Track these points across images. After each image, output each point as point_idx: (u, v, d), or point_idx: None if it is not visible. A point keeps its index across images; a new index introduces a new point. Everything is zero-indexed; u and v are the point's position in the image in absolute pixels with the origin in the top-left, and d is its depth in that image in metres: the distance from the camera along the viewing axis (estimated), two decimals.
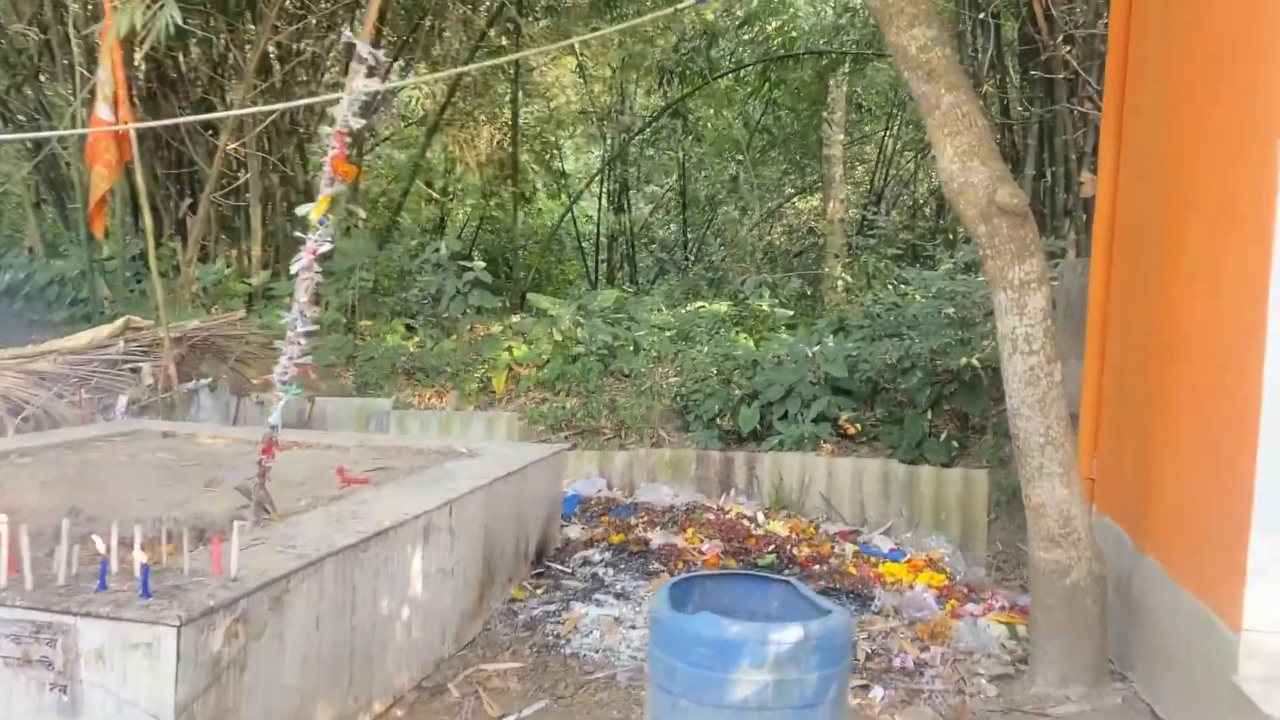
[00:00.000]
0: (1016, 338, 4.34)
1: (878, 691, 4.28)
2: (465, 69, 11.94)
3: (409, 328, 10.96)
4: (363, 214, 11.97)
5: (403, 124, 17.30)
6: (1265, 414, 3.22)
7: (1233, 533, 3.36)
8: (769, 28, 14.64)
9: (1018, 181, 9.93)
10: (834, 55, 14.05)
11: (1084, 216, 8.22)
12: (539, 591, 5.26)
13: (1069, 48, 8.36)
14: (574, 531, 6.06)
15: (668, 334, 10.26)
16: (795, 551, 5.78)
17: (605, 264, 17.79)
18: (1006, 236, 4.31)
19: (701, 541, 5.87)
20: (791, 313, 11.51)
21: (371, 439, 6.19)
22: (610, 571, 5.50)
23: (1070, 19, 8.37)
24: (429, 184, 17.47)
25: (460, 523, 4.49)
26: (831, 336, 9.49)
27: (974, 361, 7.77)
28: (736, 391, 8.91)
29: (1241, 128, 3.58)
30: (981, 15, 9.79)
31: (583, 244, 18.34)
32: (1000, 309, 4.39)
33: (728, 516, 6.32)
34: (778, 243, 16.55)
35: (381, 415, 7.89)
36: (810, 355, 8.76)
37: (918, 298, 9.25)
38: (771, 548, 5.80)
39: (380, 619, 3.86)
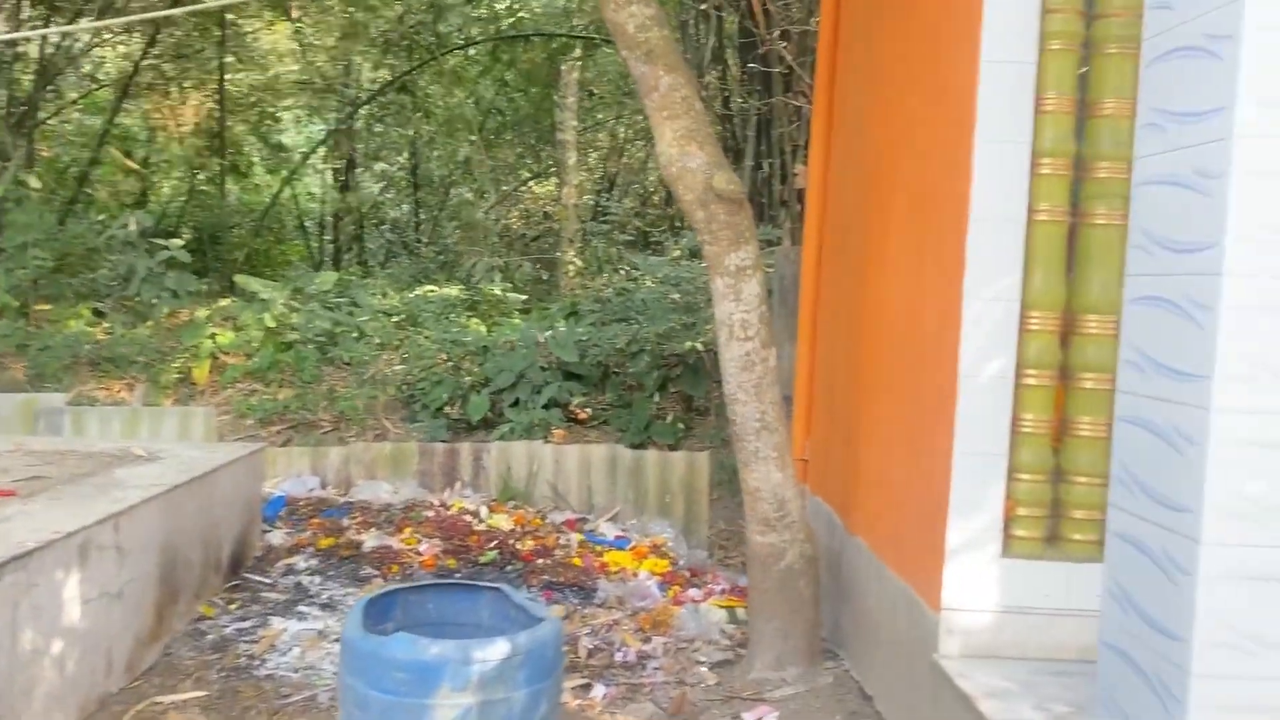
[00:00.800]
0: (733, 323, 4.32)
1: (599, 690, 4.14)
2: (135, 18, 10.79)
3: (97, 313, 9.79)
4: (35, 183, 10.56)
5: (94, 85, 15.55)
6: (960, 399, 3.32)
7: (931, 514, 3.46)
8: (498, 6, 14.32)
9: (738, 172, 10.22)
10: (564, 39, 13.94)
11: (799, 206, 8.53)
12: (233, 607, 4.73)
13: (785, 43, 8.63)
14: (277, 537, 5.54)
15: (394, 319, 9.75)
16: (519, 546, 5.56)
17: (332, 245, 16.84)
18: (723, 223, 4.27)
19: (419, 542, 5.53)
20: (525, 297, 11.30)
21: (30, 442, 5.37)
22: (317, 580, 5.05)
23: (786, 15, 8.64)
24: (128, 154, 15.81)
25: (130, 538, 3.92)
26: (563, 321, 9.36)
27: (698, 345, 7.87)
28: (467, 379, 8.58)
29: (938, 123, 3.68)
30: (704, 6, 9.96)
31: (305, 224, 17.27)
32: (718, 295, 4.35)
33: (449, 513, 6.01)
34: (514, 227, 16.29)
35: (54, 413, 6.93)
36: (542, 340, 8.58)
37: (647, 283, 9.30)
38: (494, 544, 5.55)
39: (23, 657, 3.27)
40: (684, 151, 4.26)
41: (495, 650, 2.65)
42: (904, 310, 4.03)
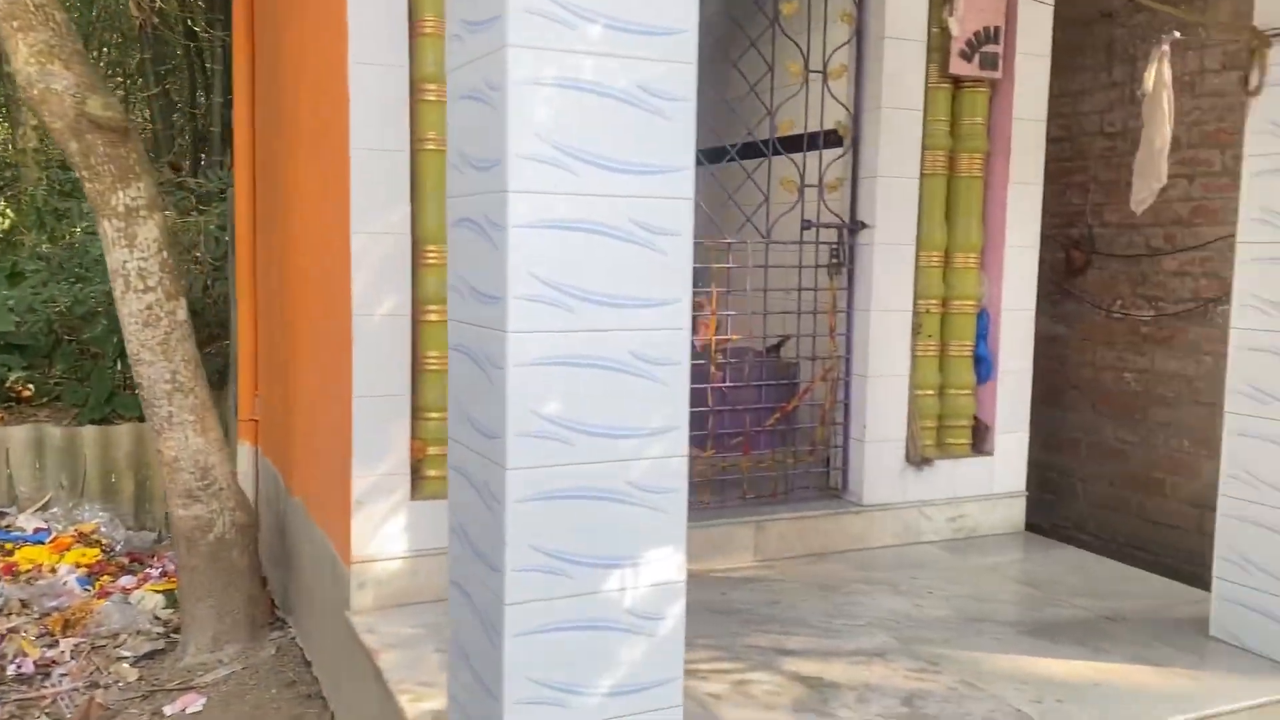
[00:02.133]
0: (129, 273, 3.79)
1: None
2: None
3: None
4: None
5: None
6: (356, 339, 3.13)
7: (341, 464, 3.26)
8: None
9: (205, 108, 9.33)
10: None
11: None
12: None
13: None
14: None
15: None
16: None
17: None
18: (104, 155, 3.70)
19: None
20: None
21: None
22: None
23: None
24: None
25: None
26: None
27: None
28: None
29: (325, 49, 3.42)
30: None
31: None
32: (107, 240, 3.78)
33: None
34: None
35: None
36: None
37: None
38: None
39: None
40: (45, 70, 3.61)
41: None
42: (315, 252, 3.76)
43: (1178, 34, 3.45)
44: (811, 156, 3.95)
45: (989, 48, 4.01)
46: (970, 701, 2.64)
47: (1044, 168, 4.27)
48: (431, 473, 3.30)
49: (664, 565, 2.03)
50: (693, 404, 3.90)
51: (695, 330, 4.74)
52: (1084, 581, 3.66)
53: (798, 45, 3.89)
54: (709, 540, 3.71)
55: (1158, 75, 3.42)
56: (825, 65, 3.89)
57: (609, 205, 1.91)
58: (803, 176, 3.92)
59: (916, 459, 4.06)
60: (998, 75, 4.05)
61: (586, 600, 1.98)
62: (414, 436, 3.27)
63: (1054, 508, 5.10)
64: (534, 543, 1.92)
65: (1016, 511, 4.30)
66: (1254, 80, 3.03)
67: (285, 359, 4.40)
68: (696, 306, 4.40)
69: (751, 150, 4.00)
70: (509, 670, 1.91)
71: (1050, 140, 5.19)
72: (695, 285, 4.51)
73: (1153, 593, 3.57)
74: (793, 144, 3.99)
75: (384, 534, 3.21)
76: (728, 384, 3.87)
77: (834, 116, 3.96)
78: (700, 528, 3.70)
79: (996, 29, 4.01)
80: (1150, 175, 3.47)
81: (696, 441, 3.91)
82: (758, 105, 3.90)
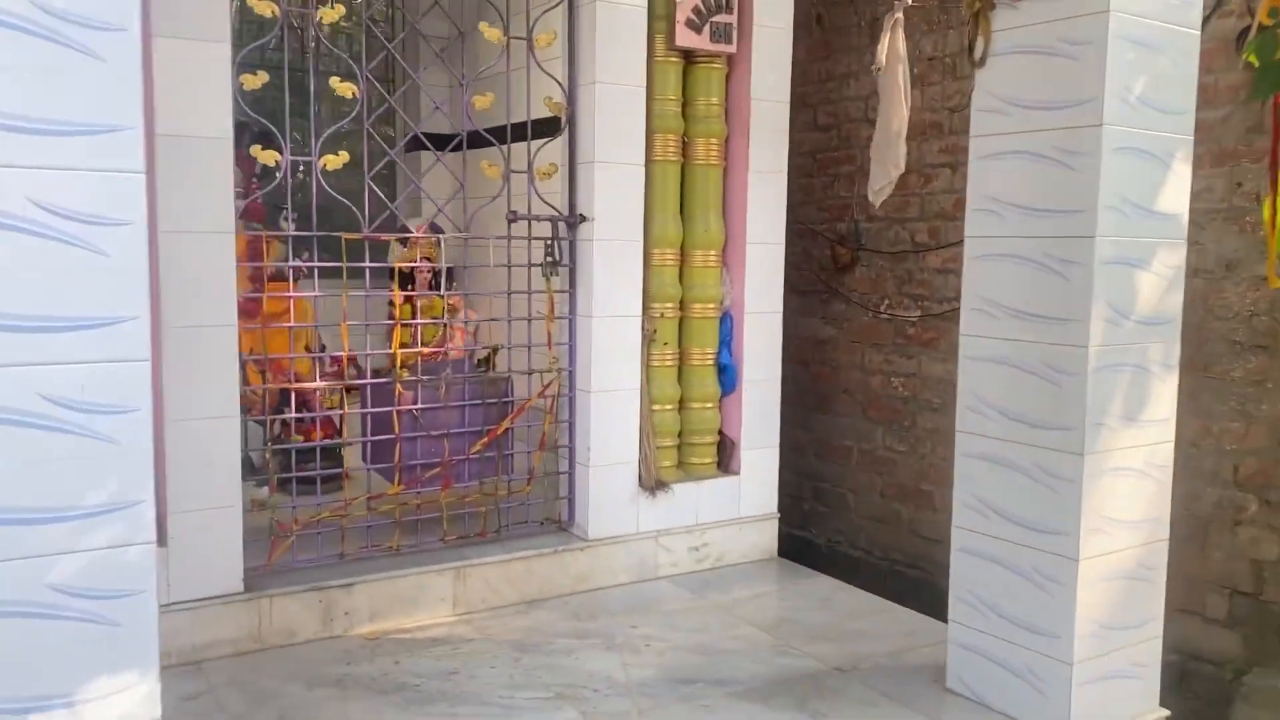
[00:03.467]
0: None
1: None
2: None
3: None
4: None
5: None
6: None
7: None
8: None
9: None
10: None
11: None
12: None
13: None
14: None
15: None
16: None
17: None
18: None
19: None
20: None
21: None
22: None
23: None
24: None
25: None
26: None
27: None
28: None
29: None
30: None
31: None
32: None
33: None
34: None
35: None
36: None
37: None
38: None
39: None
40: None
41: None
42: None
43: (910, 0, 3.08)
44: (519, 142, 3.41)
45: (720, 17, 3.55)
46: None
47: (814, 158, 3.85)
48: None
49: (121, 702, 1.42)
50: (378, 430, 3.36)
51: (448, 340, 4.14)
52: (826, 620, 3.24)
53: (494, 6, 3.33)
54: (395, 594, 3.11)
55: (891, 47, 3.03)
56: (530, 32, 3.34)
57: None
58: (508, 161, 3.36)
59: (652, 483, 3.57)
60: (731, 49, 3.60)
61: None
62: None
63: (827, 520, 4.73)
64: None
65: (768, 536, 3.87)
66: (978, 50, 2.64)
67: None
68: (453, 310, 3.81)
69: (446, 139, 3.43)
70: None
71: (817, 128, 4.83)
72: (408, 287, 3.93)
73: (898, 630, 3.17)
74: (497, 127, 3.43)
75: None
76: (420, 405, 3.28)
77: (544, 93, 3.42)
78: (384, 579, 3.10)
79: None
80: (888, 161, 3.07)
81: (384, 476, 3.30)
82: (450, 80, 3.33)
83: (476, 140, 3.33)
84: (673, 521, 3.64)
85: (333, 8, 2.99)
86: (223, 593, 2.84)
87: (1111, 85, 2.33)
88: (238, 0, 2.86)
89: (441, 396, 3.31)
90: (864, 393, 4.54)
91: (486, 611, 3.23)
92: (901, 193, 4.03)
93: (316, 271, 3.10)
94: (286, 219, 3.39)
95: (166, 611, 2.51)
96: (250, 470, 3.71)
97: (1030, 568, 2.49)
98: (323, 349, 3.76)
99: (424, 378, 3.28)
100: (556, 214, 3.43)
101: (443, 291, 3.91)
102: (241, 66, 2.84)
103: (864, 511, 4.55)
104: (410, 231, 3.79)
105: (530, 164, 3.36)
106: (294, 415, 3.44)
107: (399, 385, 3.21)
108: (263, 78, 2.87)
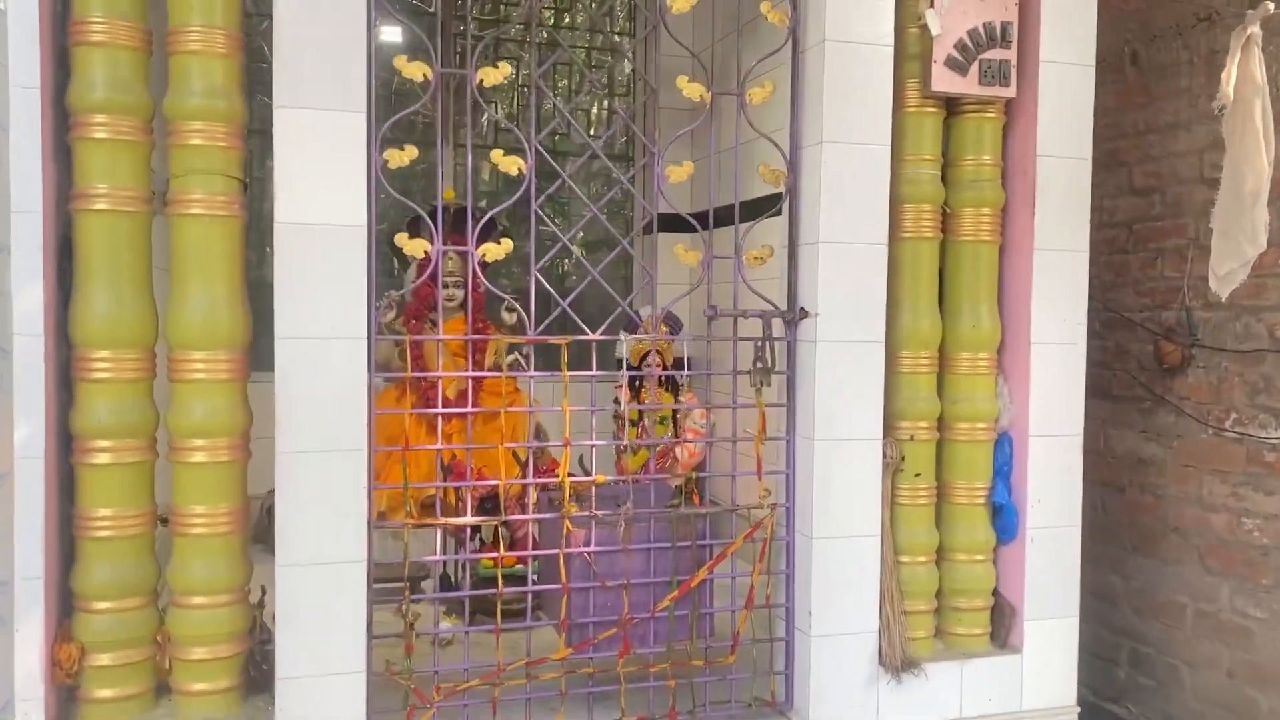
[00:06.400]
0: None
1: None
2: None
3: None
4: None
5: None
6: None
7: None
8: None
9: None
10: None
11: None
12: None
13: None
14: None
15: None
16: None
17: None
18: None
19: None
20: None
21: None
22: None
23: None
24: None
25: None
26: None
27: None
28: None
29: None
30: None
31: None
32: None
33: None
34: None
35: None
36: None
37: None
38: None
39: None
40: None
41: None
42: None
43: (1272, 6, 2.14)
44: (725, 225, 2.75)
45: (994, 53, 2.73)
46: None
47: (1129, 230, 2.92)
48: None
49: None
50: (548, 579, 2.76)
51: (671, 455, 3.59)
52: None
53: (694, 55, 2.71)
54: None
55: (1243, 75, 2.11)
56: (741, 85, 2.68)
57: None
58: (709, 245, 2.69)
59: (897, 661, 2.70)
60: (1010, 93, 2.75)
61: None
62: None
63: (1151, 698, 3.58)
64: None
65: None
66: None
67: None
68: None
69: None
70: None
71: (1133, 192, 3.80)
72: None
73: None
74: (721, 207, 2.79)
75: None
76: (594, 548, 2.63)
77: (758, 159, 2.74)
78: None
79: (1005, 26, 2.73)
80: (1240, 234, 2.15)
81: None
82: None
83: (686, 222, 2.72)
84: (926, 713, 2.74)
85: (496, 66, 2.49)
86: None
87: None
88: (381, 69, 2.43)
89: (620, 538, 2.64)
90: (1203, 535, 3.41)
91: None
92: (1256, 274, 2.94)
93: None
94: (510, 309, 2.96)
95: None
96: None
97: None
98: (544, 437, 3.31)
99: (599, 513, 2.63)
100: (771, 308, 2.71)
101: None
102: (385, 141, 2.39)
103: (1203, 693, 3.38)
104: (639, 320, 3.25)
105: (737, 246, 2.67)
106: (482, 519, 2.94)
107: (567, 522, 2.58)
108: (410, 153, 2.41)
